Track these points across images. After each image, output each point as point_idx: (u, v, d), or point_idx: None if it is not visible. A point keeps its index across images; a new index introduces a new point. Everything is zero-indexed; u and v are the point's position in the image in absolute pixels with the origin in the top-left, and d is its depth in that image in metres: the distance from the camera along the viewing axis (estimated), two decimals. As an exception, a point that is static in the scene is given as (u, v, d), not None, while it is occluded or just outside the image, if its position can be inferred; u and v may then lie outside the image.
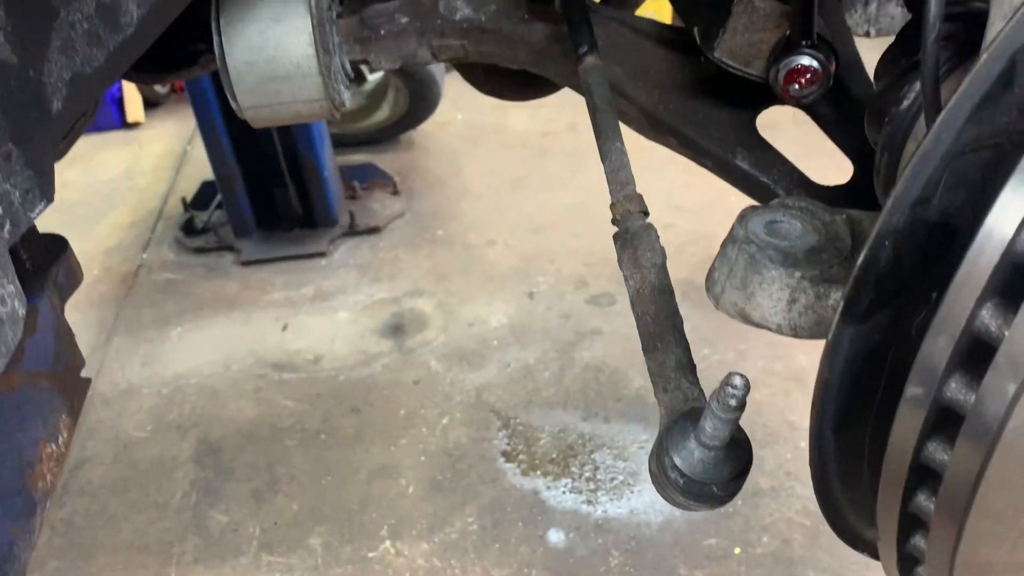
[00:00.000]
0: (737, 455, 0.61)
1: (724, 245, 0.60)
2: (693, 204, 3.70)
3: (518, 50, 1.05)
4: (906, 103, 0.68)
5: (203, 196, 3.98)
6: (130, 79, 1.21)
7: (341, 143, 4.20)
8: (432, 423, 2.87)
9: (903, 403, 0.46)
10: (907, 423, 0.47)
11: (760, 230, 0.60)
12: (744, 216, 0.61)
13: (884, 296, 0.47)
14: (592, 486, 2.60)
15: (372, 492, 2.63)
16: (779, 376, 2.87)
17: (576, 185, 4.00)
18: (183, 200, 3.96)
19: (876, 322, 0.48)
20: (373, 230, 3.81)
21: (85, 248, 3.90)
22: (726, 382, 0.56)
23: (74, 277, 1.00)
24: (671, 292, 0.74)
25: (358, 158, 4.27)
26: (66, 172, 4.52)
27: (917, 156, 0.44)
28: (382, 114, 4.35)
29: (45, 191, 0.72)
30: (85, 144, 4.78)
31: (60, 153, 0.94)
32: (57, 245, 1.00)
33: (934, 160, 0.44)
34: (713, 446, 0.60)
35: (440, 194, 4.12)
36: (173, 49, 1.16)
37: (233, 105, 1.02)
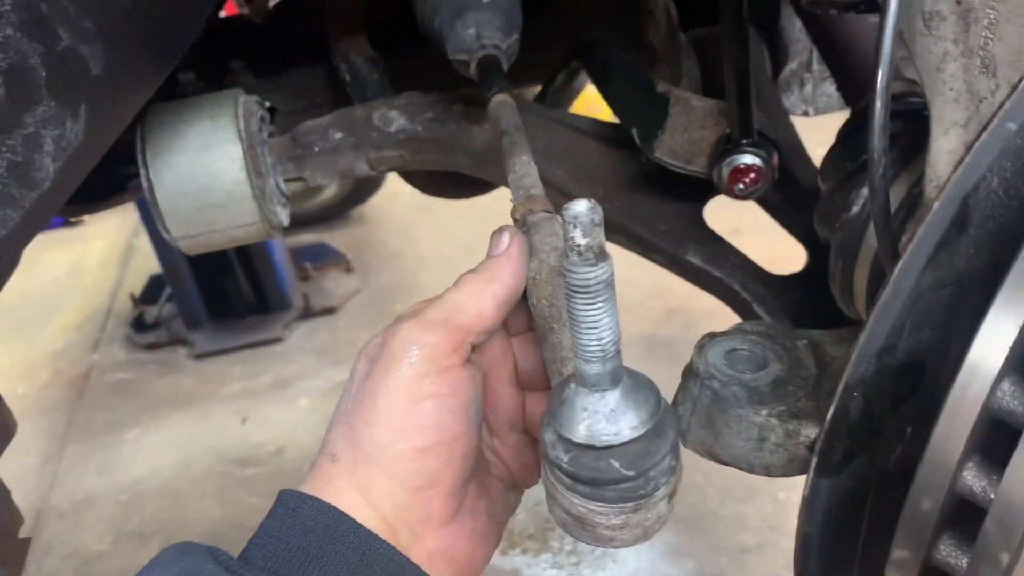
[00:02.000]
0: (637, 390, 0.45)
1: (685, 378, 0.58)
2: (647, 259, 3.71)
3: (457, 155, 1.03)
4: (855, 208, 0.67)
5: (152, 290, 3.89)
6: (57, 212, 1.17)
7: (290, 224, 4.14)
8: (403, 508, 2.80)
9: (890, 566, 0.43)
10: (897, 587, 0.44)
11: (720, 362, 0.57)
12: (702, 347, 0.58)
13: (857, 444, 0.45)
14: (574, 559, 2.55)
15: (346, 588, 2.54)
16: (750, 429, 2.85)
17: (530, 248, 4.00)
18: (131, 295, 3.87)
19: (852, 469, 0.46)
20: (329, 311, 3.75)
21: (31, 353, 3.79)
22: (563, 217, 0.41)
23: (6, 428, 0.94)
24: None
25: (308, 238, 4.22)
26: (7, 277, 4.40)
27: (878, 306, 0.42)
28: (329, 192, 4.32)
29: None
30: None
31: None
32: (-14, 396, 0.95)
33: (895, 308, 0.42)
34: (594, 380, 0.44)
35: (395, 267, 4.09)
36: (99, 178, 1.13)
37: (165, 236, 0.98)
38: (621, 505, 0.45)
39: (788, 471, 0.54)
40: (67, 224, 4.85)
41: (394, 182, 4.45)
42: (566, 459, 0.45)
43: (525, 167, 0.70)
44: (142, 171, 0.95)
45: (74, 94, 0.74)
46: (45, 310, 4.14)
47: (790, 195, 0.97)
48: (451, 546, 0.57)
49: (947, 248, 0.41)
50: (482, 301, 0.58)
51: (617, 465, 0.43)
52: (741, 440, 0.54)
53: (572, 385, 0.45)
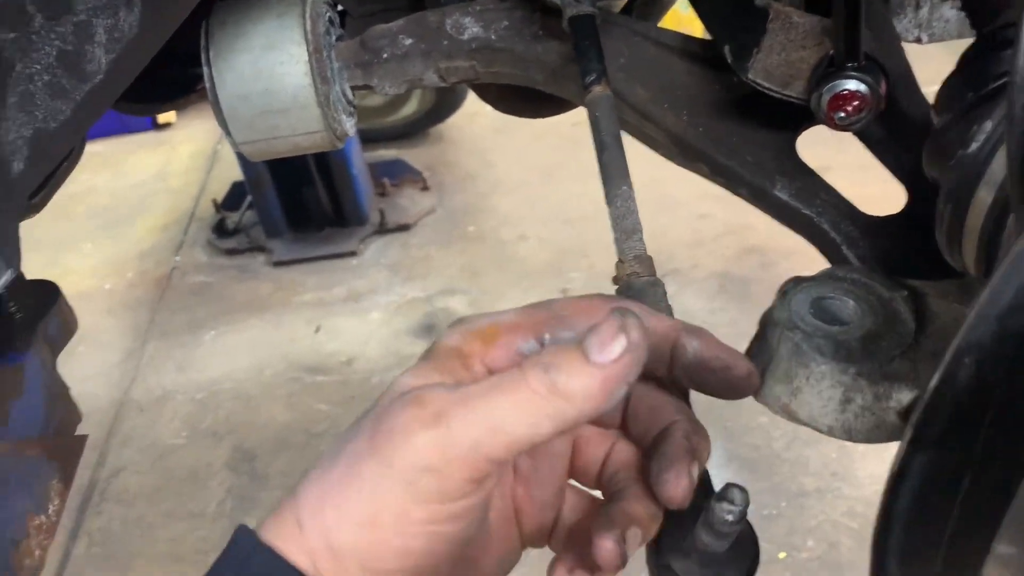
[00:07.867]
0: (741, 557, 0.52)
1: (764, 326, 0.52)
2: (728, 192, 3.58)
3: (532, 70, 0.96)
4: (975, 145, 0.58)
5: (234, 197, 3.95)
6: (123, 111, 1.15)
7: (369, 139, 4.13)
8: (467, 425, 2.83)
9: (992, 561, 0.38)
10: (994, 585, 0.38)
11: (805, 311, 0.51)
12: (786, 292, 0.52)
13: (961, 419, 0.39)
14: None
15: (406, 497, 2.60)
16: (824, 373, 2.77)
17: (610, 175, 3.90)
18: (214, 201, 3.94)
19: (952, 446, 0.40)
20: (404, 227, 3.75)
21: (119, 252, 3.91)
22: (723, 495, 0.47)
23: (67, 327, 0.95)
24: None
25: (387, 153, 4.21)
26: (96, 177, 4.52)
27: (1008, 260, 0.35)
28: (410, 108, 4.27)
29: (9, 260, 0.66)
30: (116, 147, 4.80)
31: (34, 209, 0.88)
32: (48, 293, 0.95)
33: (1027, 264, 0.35)
34: (713, 552, 0.51)
35: (470, 189, 4.04)
36: (168, 77, 1.10)
37: (228, 140, 0.95)
38: None
39: (873, 437, 0.48)
40: (155, 127, 4.95)
41: (474, 102, 4.38)
42: None
43: (626, 202, 0.70)
44: (205, 71, 0.91)
45: (128, -19, 0.70)
46: (133, 211, 4.26)
47: (894, 129, 0.87)
48: None
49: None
50: (537, 423, 0.42)
51: None
52: (823, 400, 0.49)
53: (690, 532, 0.51)
